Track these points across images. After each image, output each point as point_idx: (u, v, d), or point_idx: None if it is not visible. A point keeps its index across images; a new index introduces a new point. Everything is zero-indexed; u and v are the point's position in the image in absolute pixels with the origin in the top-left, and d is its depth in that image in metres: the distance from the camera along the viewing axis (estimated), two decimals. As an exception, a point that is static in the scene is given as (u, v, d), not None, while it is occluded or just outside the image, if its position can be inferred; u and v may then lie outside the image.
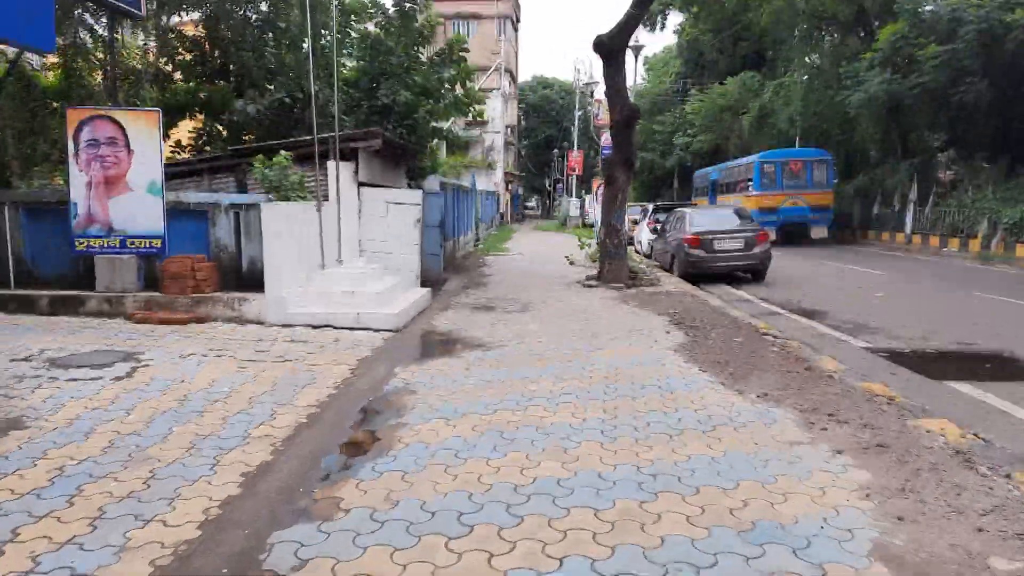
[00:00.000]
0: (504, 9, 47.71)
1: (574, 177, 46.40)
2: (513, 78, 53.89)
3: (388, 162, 13.05)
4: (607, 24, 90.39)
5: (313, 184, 10.76)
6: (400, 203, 10.96)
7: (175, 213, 9.36)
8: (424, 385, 6.14)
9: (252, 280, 9.17)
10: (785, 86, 35.91)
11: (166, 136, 15.82)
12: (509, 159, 51.31)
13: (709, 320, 9.40)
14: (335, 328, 8.60)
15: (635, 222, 22.60)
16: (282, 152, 10.34)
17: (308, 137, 10.52)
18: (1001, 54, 18.50)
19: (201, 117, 15.81)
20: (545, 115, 66.76)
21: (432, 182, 14.33)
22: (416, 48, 14.62)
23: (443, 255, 15.58)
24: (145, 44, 16.62)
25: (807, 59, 32.69)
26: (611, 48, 12.20)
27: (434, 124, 16.63)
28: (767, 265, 15.09)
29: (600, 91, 24.98)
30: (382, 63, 14.25)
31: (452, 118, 31.76)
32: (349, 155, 10.95)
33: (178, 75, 15.83)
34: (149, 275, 9.42)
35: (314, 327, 8.61)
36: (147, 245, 9.23)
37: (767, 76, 39.04)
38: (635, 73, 24.57)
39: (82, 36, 15.09)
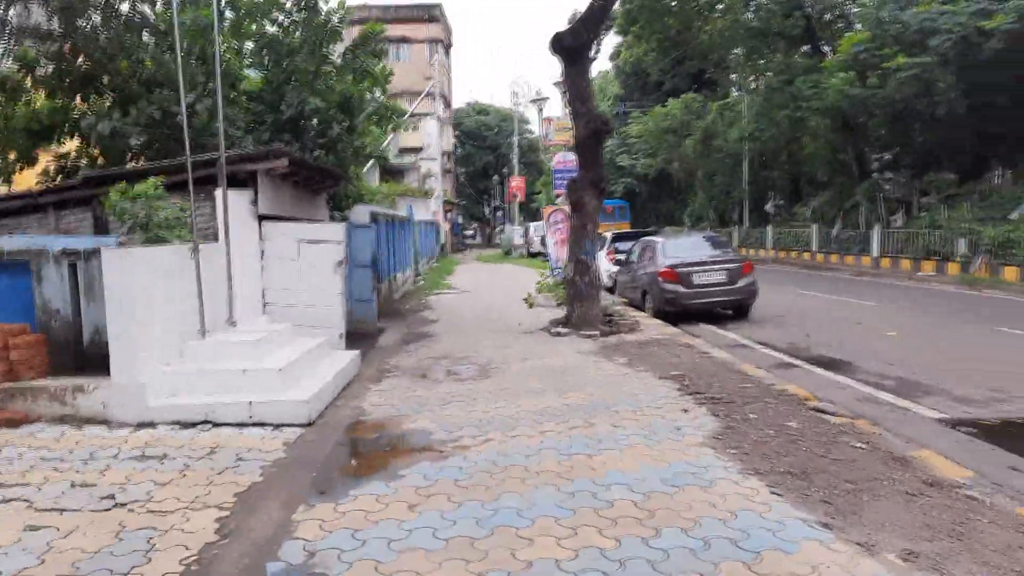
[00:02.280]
0: (435, 32, 45.74)
1: (516, 204, 44.43)
2: (448, 103, 51.86)
3: (303, 191, 10.48)
4: (538, 52, 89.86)
5: (200, 220, 8.12)
6: (316, 241, 8.43)
7: (-16, 265, 6.58)
8: (341, 556, 3.63)
9: (99, 358, 6.43)
10: (730, 106, 35.04)
11: (24, 165, 12.86)
12: (447, 187, 49.03)
13: (727, 385, 7.17)
14: (217, 425, 5.97)
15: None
16: (150, 178, 7.70)
17: (182, 159, 7.92)
18: (975, 63, 17.44)
19: (77, 143, 12.90)
20: (482, 141, 65.00)
21: (361, 212, 11.82)
22: (325, 46, 12.13)
23: (377, 300, 13.00)
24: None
25: (755, 78, 31.79)
26: (573, 46, 10.07)
27: (356, 144, 14.16)
28: (753, 300, 13.12)
29: (550, 109, 23.01)
30: (287, 68, 11.74)
31: (381, 137, 29.29)
32: (246, 181, 8.37)
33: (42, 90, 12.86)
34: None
35: (185, 426, 5.95)
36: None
37: (711, 97, 38.22)
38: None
39: None
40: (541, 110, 18.28)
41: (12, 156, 12.23)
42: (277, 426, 5.96)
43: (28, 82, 12.38)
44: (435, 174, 42.53)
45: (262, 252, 8.53)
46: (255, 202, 8.30)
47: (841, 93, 20.45)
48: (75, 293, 6.60)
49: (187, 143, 7.10)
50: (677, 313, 12.80)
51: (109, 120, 9.86)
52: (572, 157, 16.88)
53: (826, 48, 27.97)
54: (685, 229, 35.03)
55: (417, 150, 43.65)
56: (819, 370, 8.51)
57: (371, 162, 33.49)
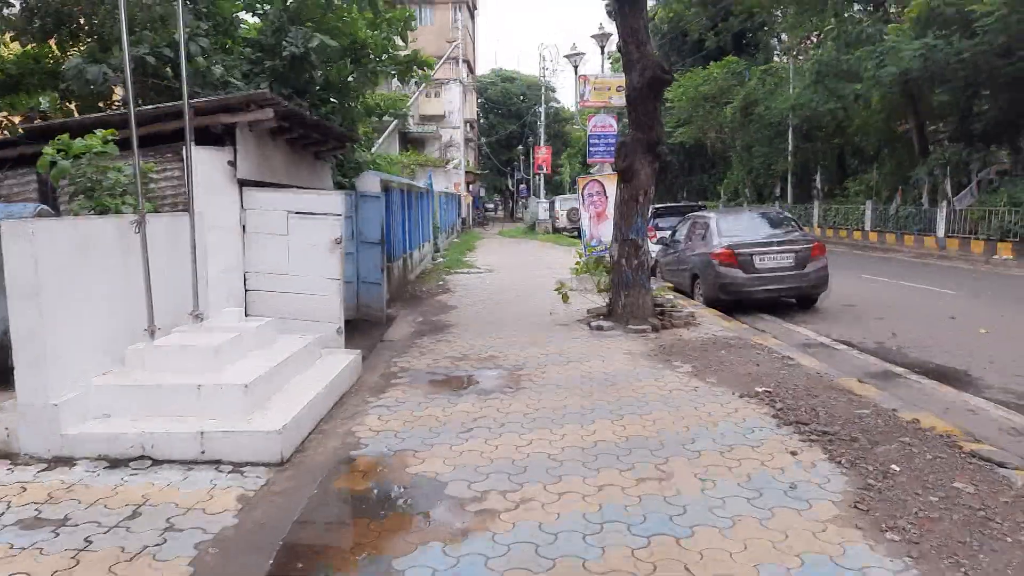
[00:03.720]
0: (460, -7, 43.49)
1: (541, 176, 42.46)
2: (471, 69, 49.72)
3: (301, 153, 8.83)
4: (570, 17, 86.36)
5: (168, 186, 6.54)
6: (308, 213, 6.79)
7: None
8: None
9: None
10: (772, 72, 32.60)
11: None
12: (470, 157, 47.13)
13: (834, 409, 5.46)
14: (157, 463, 4.40)
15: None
16: (98, 132, 6.10)
17: (149, 108, 6.31)
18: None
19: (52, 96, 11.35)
20: (506, 111, 62.70)
21: (369, 180, 10.17)
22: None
23: (388, 282, 11.40)
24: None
25: (804, 40, 29.28)
26: (629, -22, 8.22)
27: (365, 100, 12.43)
28: (823, 289, 11.29)
29: (587, 66, 21.04)
30: (292, 6, 9.99)
31: (404, 98, 27.31)
32: (223, 138, 6.74)
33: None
34: None
35: (115, 464, 4.39)
36: None
37: (752, 62, 35.76)
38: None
39: None
40: (576, 67, 16.55)
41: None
42: (237, 467, 4.38)
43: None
44: (457, 143, 40.63)
45: (243, 226, 6.91)
46: (234, 163, 6.66)
47: (917, 54, 18.19)
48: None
49: (185, 87, 5.47)
50: (733, 303, 11.06)
51: (98, 65, 8.19)
52: (610, 121, 15.00)
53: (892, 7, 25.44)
54: (744, 205, 32.89)
55: (439, 118, 41.68)
56: (932, 383, 6.74)
57: (392, 127, 31.81)
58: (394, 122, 31.81)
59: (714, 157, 40.32)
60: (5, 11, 10.66)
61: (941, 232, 20.31)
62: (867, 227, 24.31)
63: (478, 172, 50.59)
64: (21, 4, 10.62)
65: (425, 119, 41.69)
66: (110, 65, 8.72)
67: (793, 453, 4.55)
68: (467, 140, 46.22)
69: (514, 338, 8.57)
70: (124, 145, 6.57)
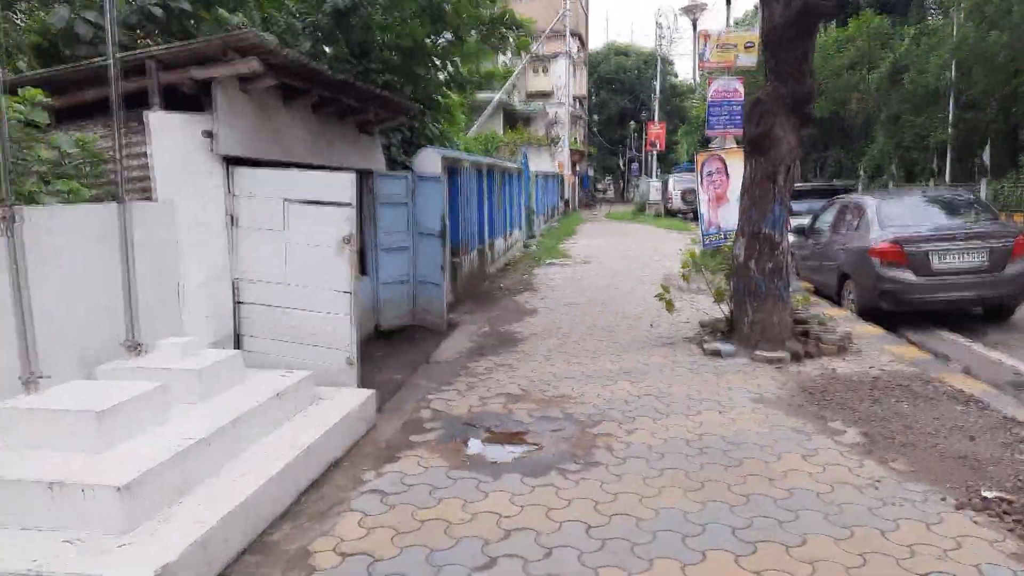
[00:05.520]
0: (571, -39, 40.83)
1: (654, 154, 39.38)
2: (583, 43, 47.01)
3: (334, 125, 7.05)
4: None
5: (131, 164, 4.93)
6: (310, 201, 4.98)
7: None
8: None
9: None
10: (931, 32, 27.87)
11: None
12: (578, 135, 44.65)
13: None
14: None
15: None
16: (28, 89, 4.56)
17: (90, 61, 4.72)
18: None
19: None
20: (620, 86, 59.37)
21: (428, 158, 8.31)
22: None
23: (454, 280, 9.54)
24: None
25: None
26: None
27: (452, 69, 10.52)
28: (1027, 297, 8.34)
29: (708, 20, 18.21)
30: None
31: (505, 71, 24.96)
32: (196, 98, 5.02)
33: None
34: None
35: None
36: None
37: (901, 22, 30.99)
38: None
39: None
40: (695, 22, 13.98)
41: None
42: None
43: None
44: (562, 120, 38.31)
45: (233, 218, 5.20)
46: (211, 133, 4.93)
47: None
48: None
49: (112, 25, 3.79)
50: (900, 312, 8.37)
51: (68, 5, 6.68)
52: (736, 85, 12.36)
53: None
54: (889, 184, 28.65)
55: (547, 95, 39.49)
56: None
57: (493, 103, 29.96)
58: (495, 98, 30.05)
59: (852, 130, 35.61)
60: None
61: None
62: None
63: (584, 150, 47.98)
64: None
65: (532, 96, 39.67)
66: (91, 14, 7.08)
67: None
68: (575, 118, 43.74)
69: (599, 363, 6.45)
70: (69, 114, 5.02)
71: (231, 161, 5.20)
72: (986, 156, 23.49)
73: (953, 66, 24.08)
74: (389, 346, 7.57)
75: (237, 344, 5.28)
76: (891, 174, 31.91)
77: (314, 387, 4.64)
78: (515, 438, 4.63)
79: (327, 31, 8.32)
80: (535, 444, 4.52)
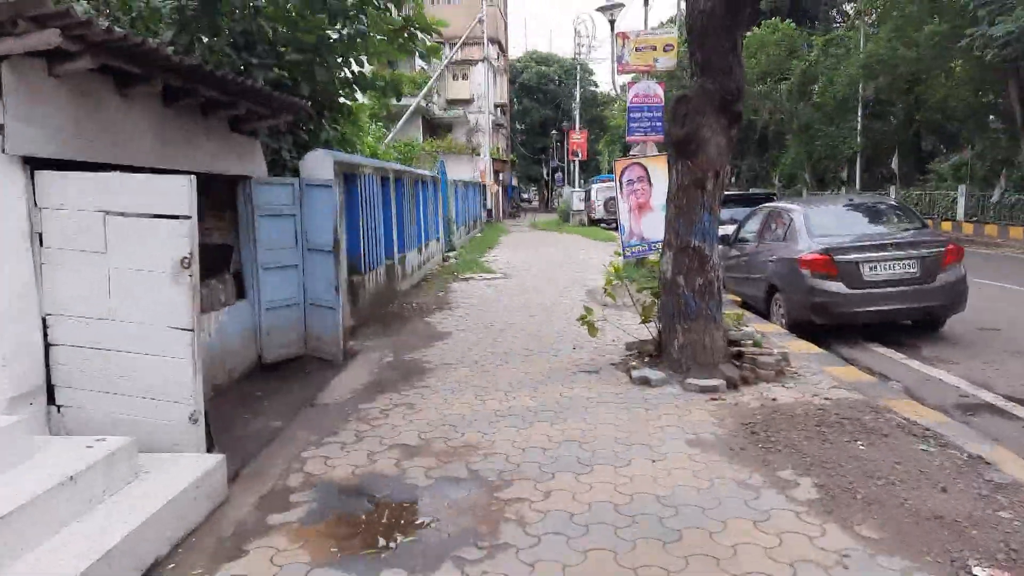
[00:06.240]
0: (489, -33, 40.24)
1: (576, 163, 39.19)
2: (503, 50, 46.49)
3: (199, 122, 5.92)
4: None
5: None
6: (133, 214, 3.91)
7: None
8: None
9: None
10: (836, 43, 28.69)
11: None
12: (499, 144, 44.03)
13: None
14: None
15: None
16: None
17: None
18: None
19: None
20: (541, 95, 59.33)
21: (317, 163, 7.27)
22: None
23: (354, 302, 8.49)
24: None
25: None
26: None
27: (354, 68, 9.46)
28: (960, 308, 8.04)
29: (624, 23, 17.76)
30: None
31: (420, 79, 23.97)
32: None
33: None
34: None
35: None
36: None
37: (812, 32, 31.92)
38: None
39: None
40: (613, 23, 13.52)
41: None
42: None
43: None
44: (483, 128, 37.59)
45: (38, 236, 4.05)
46: (0, 129, 3.78)
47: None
48: None
49: None
50: (830, 325, 7.93)
51: None
52: (656, 90, 11.83)
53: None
54: (803, 192, 29.14)
55: (467, 102, 38.69)
56: None
57: (411, 109, 28.81)
58: (412, 104, 28.95)
59: (767, 139, 36.47)
60: None
61: (1062, 224, 16.61)
62: (959, 216, 20.59)
63: (506, 159, 47.40)
64: None
65: (452, 103, 38.75)
66: None
67: None
68: (497, 126, 43.10)
69: (514, 399, 5.58)
70: None
71: (38, 164, 4.06)
72: (894, 164, 24.25)
73: (861, 77, 24.81)
74: (273, 382, 6.47)
75: (51, 398, 4.12)
76: (804, 182, 32.78)
77: (136, 457, 3.55)
78: (406, 512, 3.69)
79: (194, 17, 7.15)
80: (430, 518, 3.59)
